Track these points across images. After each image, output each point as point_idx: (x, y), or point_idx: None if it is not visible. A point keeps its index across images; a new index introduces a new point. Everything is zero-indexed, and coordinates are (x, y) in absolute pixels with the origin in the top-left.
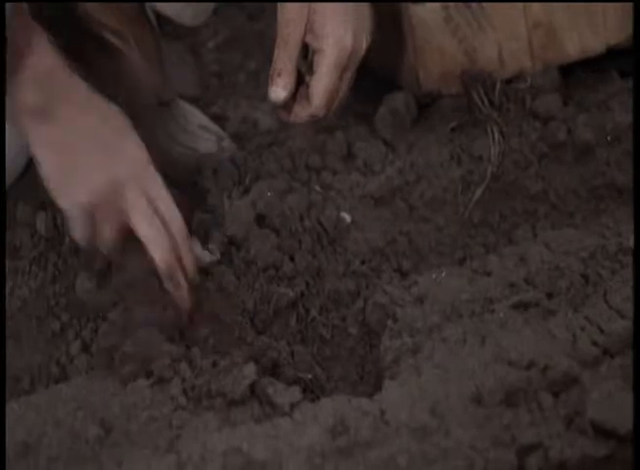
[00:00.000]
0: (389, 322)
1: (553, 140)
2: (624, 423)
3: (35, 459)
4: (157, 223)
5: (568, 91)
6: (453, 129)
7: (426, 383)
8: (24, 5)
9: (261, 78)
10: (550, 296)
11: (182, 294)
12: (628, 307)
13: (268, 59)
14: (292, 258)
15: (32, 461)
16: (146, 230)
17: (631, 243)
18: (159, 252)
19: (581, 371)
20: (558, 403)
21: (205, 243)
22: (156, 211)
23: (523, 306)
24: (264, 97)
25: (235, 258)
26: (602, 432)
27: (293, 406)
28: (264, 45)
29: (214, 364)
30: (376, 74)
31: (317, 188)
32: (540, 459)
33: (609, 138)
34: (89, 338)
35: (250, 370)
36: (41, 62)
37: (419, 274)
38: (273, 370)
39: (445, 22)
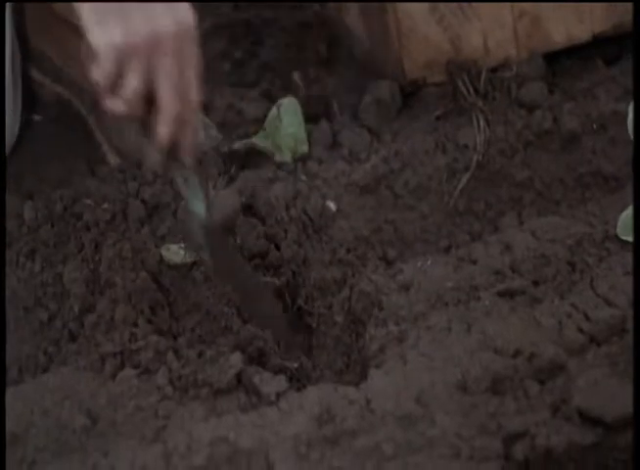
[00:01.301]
0: (375, 310)
1: (538, 128)
2: (611, 410)
3: (23, 449)
4: (178, 91)
5: (553, 79)
6: (438, 118)
7: (411, 371)
8: None
9: (246, 67)
10: (536, 283)
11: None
12: (615, 295)
13: (253, 47)
14: (277, 247)
15: (20, 451)
16: (165, 94)
17: (617, 230)
18: (165, 121)
19: (567, 359)
20: (544, 391)
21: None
22: (181, 75)
23: (508, 294)
24: (250, 85)
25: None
26: (588, 419)
27: (279, 395)
28: (249, 34)
29: (200, 354)
30: (360, 63)
31: (302, 177)
32: (526, 447)
33: (594, 126)
34: (76, 328)
35: (236, 360)
36: None
37: (404, 262)
38: (259, 359)
39: (430, 10)
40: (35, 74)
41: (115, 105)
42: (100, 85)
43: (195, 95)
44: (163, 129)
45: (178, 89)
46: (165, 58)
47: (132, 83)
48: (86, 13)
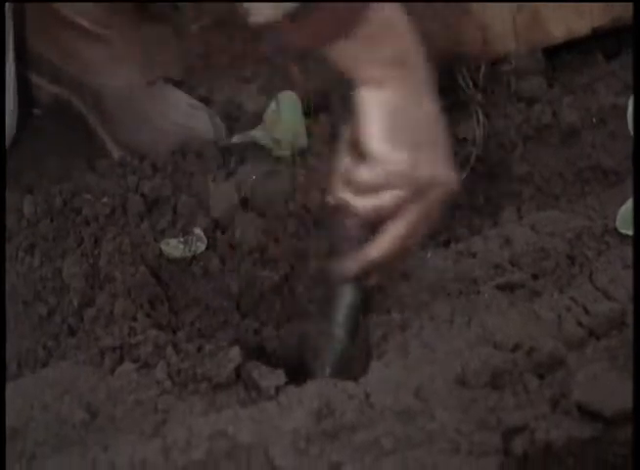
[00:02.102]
0: (379, 297)
1: (538, 122)
2: (610, 405)
3: (23, 443)
4: (412, 233)
5: (552, 73)
6: None
7: (412, 363)
8: None
9: (245, 61)
10: (535, 277)
11: None
12: (614, 288)
13: (252, 41)
14: (276, 242)
15: (20, 445)
16: (400, 230)
17: (616, 224)
18: (387, 248)
19: (567, 353)
20: (543, 385)
21: (189, 226)
22: (417, 226)
23: (508, 288)
24: (249, 79)
25: (220, 241)
26: (588, 414)
27: (278, 390)
28: (248, 27)
29: (200, 348)
30: None
31: (301, 171)
32: (526, 441)
33: (594, 120)
34: (76, 322)
35: (235, 354)
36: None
37: None
38: (258, 354)
39: (429, 3)
40: (34, 78)
41: (354, 201)
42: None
43: (416, 239)
44: (376, 252)
45: (419, 228)
46: (426, 202)
47: (382, 202)
48: (377, 129)
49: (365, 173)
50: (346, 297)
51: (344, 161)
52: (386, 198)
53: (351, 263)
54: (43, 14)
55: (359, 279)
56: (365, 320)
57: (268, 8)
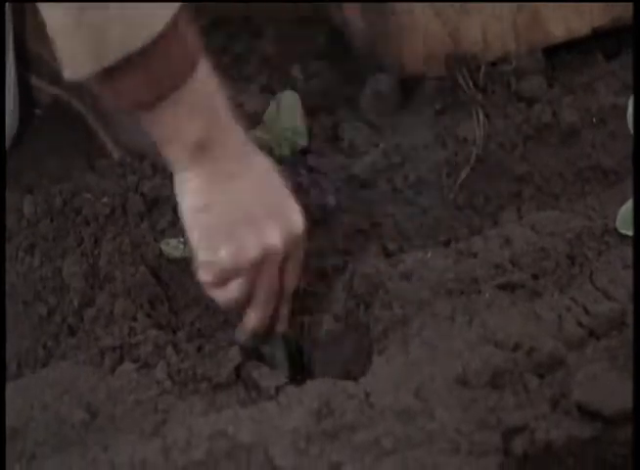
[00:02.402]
0: (380, 292)
1: (538, 122)
2: (610, 405)
3: (23, 443)
4: (273, 296)
5: (552, 73)
6: (438, 111)
7: (412, 362)
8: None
9: (246, 61)
10: (536, 277)
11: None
12: (614, 289)
13: (253, 41)
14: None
15: (20, 445)
16: (262, 297)
17: (616, 224)
18: (259, 316)
19: (567, 353)
20: (543, 385)
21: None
22: (283, 276)
23: (509, 288)
24: (249, 79)
25: None
26: (587, 413)
27: (278, 390)
28: (249, 27)
29: (200, 348)
30: (360, 57)
31: (302, 170)
32: (526, 441)
33: (594, 120)
34: (76, 322)
35: (235, 354)
36: (205, 90)
37: (404, 254)
38: (258, 354)
39: (429, 3)
40: (33, 80)
41: (214, 294)
42: (207, 289)
43: (292, 286)
44: (252, 322)
45: (277, 290)
46: (270, 269)
47: (232, 293)
48: (195, 236)
49: (203, 275)
50: (279, 353)
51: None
52: (232, 289)
53: (240, 334)
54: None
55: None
56: (366, 315)
57: (83, 63)
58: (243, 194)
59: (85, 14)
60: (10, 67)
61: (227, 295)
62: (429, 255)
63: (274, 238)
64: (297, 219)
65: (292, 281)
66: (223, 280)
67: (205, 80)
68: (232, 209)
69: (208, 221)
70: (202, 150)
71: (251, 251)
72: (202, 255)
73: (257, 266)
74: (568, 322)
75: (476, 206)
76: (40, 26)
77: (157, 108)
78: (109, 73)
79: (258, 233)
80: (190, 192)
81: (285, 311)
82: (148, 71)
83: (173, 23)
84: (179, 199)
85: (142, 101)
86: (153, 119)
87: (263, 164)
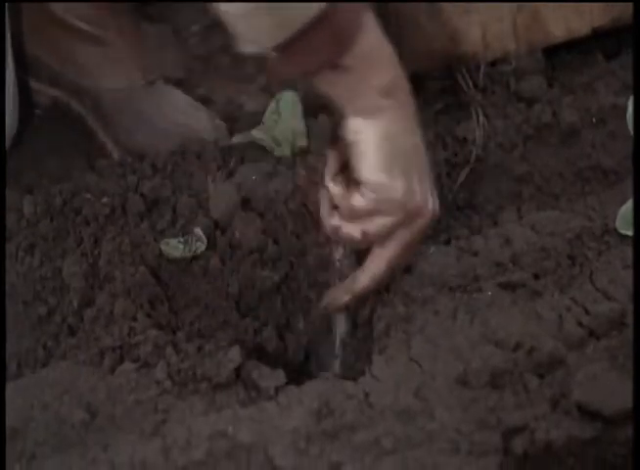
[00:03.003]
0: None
1: (538, 122)
2: (610, 404)
3: (22, 443)
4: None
5: (552, 73)
6: (437, 111)
7: (413, 360)
8: None
9: (246, 61)
10: (536, 277)
11: None
12: (614, 289)
13: None
14: (276, 242)
15: (20, 445)
16: (393, 249)
17: (616, 224)
18: (383, 266)
19: (567, 352)
20: (543, 385)
21: (189, 226)
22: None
23: (510, 287)
24: (249, 79)
25: (219, 241)
26: (588, 413)
27: (278, 390)
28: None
29: (199, 348)
30: None
31: (302, 171)
32: (526, 441)
33: (594, 120)
34: (76, 322)
35: (234, 354)
36: (376, 37)
37: None
38: (258, 354)
39: (429, 3)
40: (32, 83)
41: (348, 229)
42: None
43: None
44: (364, 282)
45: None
46: (414, 227)
47: (375, 228)
48: (377, 160)
49: (358, 200)
50: (340, 327)
51: (333, 187)
52: (377, 224)
53: (340, 294)
54: (40, 16)
55: (350, 308)
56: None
57: (258, 38)
58: (417, 152)
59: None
60: (8, 67)
61: (368, 228)
62: (431, 250)
63: (433, 205)
64: (434, 204)
65: (404, 259)
66: (372, 212)
67: (374, 29)
68: (410, 156)
69: (390, 152)
70: (388, 95)
71: (418, 197)
72: (378, 176)
73: (407, 219)
74: (568, 322)
75: (475, 206)
76: (37, 28)
77: (339, 67)
78: (290, 43)
79: (423, 192)
80: (374, 131)
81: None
82: (325, 34)
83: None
84: (356, 137)
85: (324, 62)
86: (335, 79)
87: (421, 138)
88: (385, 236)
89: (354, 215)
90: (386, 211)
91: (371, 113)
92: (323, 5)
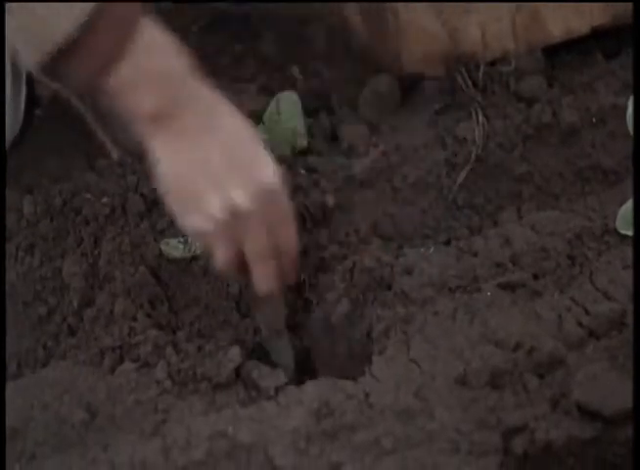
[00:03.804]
0: (381, 289)
1: (537, 122)
2: (610, 404)
3: (23, 443)
4: (270, 259)
5: (552, 73)
6: (437, 112)
7: (413, 361)
8: None
9: (245, 61)
10: (536, 277)
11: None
12: (614, 289)
13: (252, 42)
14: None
15: (20, 445)
16: (258, 266)
17: (616, 224)
18: (264, 286)
19: (567, 353)
20: (543, 385)
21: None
22: (271, 233)
23: (509, 287)
24: (249, 80)
25: None
26: (587, 413)
27: (278, 390)
28: (248, 27)
29: (200, 348)
30: (359, 57)
31: (302, 171)
32: (526, 441)
33: (594, 120)
34: (76, 322)
35: (234, 354)
36: (150, 63)
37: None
38: (258, 354)
39: (429, 3)
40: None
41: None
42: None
43: (291, 253)
44: (262, 286)
45: (269, 257)
46: (254, 229)
47: (222, 256)
48: (170, 205)
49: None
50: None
51: None
52: (221, 251)
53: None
54: None
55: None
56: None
57: (31, 56)
58: (208, 158)
59: (15, 15)
60: (7, 66)
61: (218, 262)
62: (431, 249)
63: (239, 197)
64: (266, 173)
65: (286, 236)
66: (210, 245)
67: (149, 53)
68: (198, 175)
69: (178, 189)
70: (159, 122)
71: (218, 213)
72: (179, 222)
73: (234, 227)
74: (568, 322)
75: (475, 206)
76: None
77: (107, 88)
78: (52, 63)
79: (223, 195)
80: (158, 162)
81: (288, 269)
82: (82, 54)
83: (96, 11)
84: (154, 170)
85: (86, 82)
86: (107, 100)
87: (230, 124)
88: (238, 254)
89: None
90: (215, 239)
91: (148, 141)
92: (79, 23)
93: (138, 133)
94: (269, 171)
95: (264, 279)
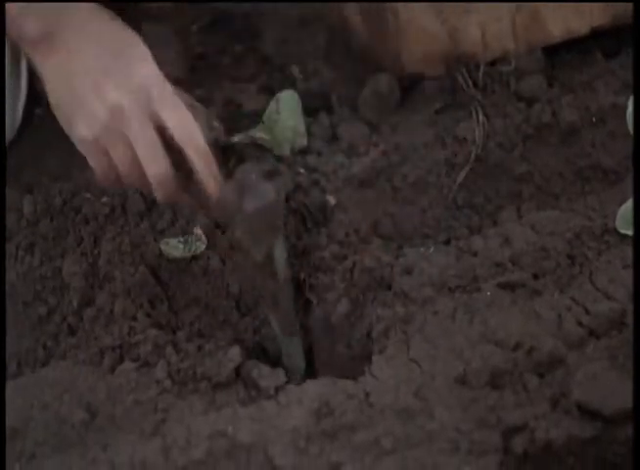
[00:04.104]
0: (381, 289)
1: (537, 122)
2: (610, 404)
3: (22, 443)
4: (162, 157)
5: (552, 72)
6: (437, 111)
7: (413, 360)
8: None
9: (245, 61)
10: (536, 276)
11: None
12: (614, 288)
13: (252, 41)
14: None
15: (19, 445)
16: (150, 165)
17: (616, 224)
18: (160, 192)
19: (567, 352)
20: (543, 385)
21: (189, 226)
22: (169, 135)
23: (509, 287)
24: (248, 79)
25: (219, 241)
26: (587, 413)
27: (277, 389)
28: (249, 27)
29: (199, 348)
30: (359, 56)
31: (301, 170)
32: (526, 440)
33: (594, 119)
34: (75, 322)
35: (234, 353)
36: None
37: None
38: (258, 353)
39: (429, 3)
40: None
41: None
42: (102, 181)
43: (194, 142)
44: (159, 190)
45: (159, 154)
46: (138, 127)
47: (116, 157)
48: (59, 119)
49: (84, 153)
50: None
51: None
52: (115, 156)
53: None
54: None
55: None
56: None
57: None
58: (87, 66)
59: None
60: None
61: (112, 164)
62: (431, 249)
63: (115, 95)
64: (141, 69)
65: (180, 127)
66: (102, 153)
67: None
68: (79, 83)
69: (62, 102)
70: (42, 43)
71: (99, 114)
72: (66, 130)
73: (118, 128)
74: (568, 322)
75: (475, 205)
76: None
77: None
78: None
79: (101, 95)
80: (46, 81)
81: (202, 166)
82: None
83: None
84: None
85: None
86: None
87: (107, 30)
88: (131, 156)
89: (99, 163)
90: (105, 145)
91: (36, 61)
92: None
93: (31, 63)
94: (144, 67)
95: (160, 179)
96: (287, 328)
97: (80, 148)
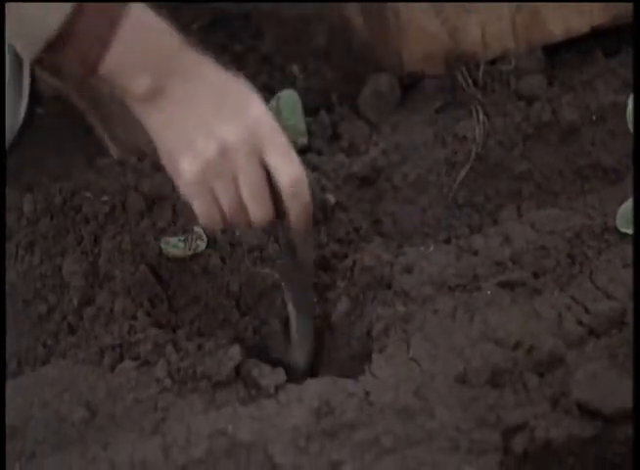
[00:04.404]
0: (381, 288)
1: (538, 120)
2: (610, 403)
3: (22, 442)
4: (265, 200)
5: (552, 71)
6: (437, 110)
7: (413, 359)
8: None
9: (246, 60)
10: (536, 275)
11: None
12: (614, 287)
13: (253, 40)
14: (276, 240)
15: (20, 444)
16: (254, 208)
17: (616, 222)
18: (257, 216)
19: (567, 351)
20: (543, 384)
21: (189, 224)
22: (273, 180)
23: (509, 286)
24: (249, 78)
25: (220, 240)
26: (587, 412)
27: (278, 388)
28: (249, 26)
29: (200, 347)
30: (359, 56)
31: None
32: (526, 440)
33: (594, 118)
34: (76, 321)
35: (234, 352)
36: (148, 38)
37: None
38: (258, 352)
39: (429, 3)
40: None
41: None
42: (208, 226)
43: (292, 178)
44: (256, 221)
45: (262, 185)
46: (244, 164)
47: (221, 194)
48: (164, 161)
49: (189, 196)
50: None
51: None
52: (219, 194)
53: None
54: None
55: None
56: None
57: (26, 52)
58: (197, 111)
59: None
60: (9, 64)
61: (217, 204)
62: (431, 248)
63: (227, 133)
64: (254, 110)
65: (286, 173)
66: (206, 191)
67: (138, 34)
68: (188, 124)
69: (169, 141)
70: (152, 99)
71: (208, 151)
72: (173, 175)
73: (225, 163)
74: (568, 321)
75: (475, 204)
76: None
77: (101, 74)
78: (47, 57)
79: (211, 134)
80: (150, 128)
81: (297, 208)
82: (71, 48)
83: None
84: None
85: (82, 70)
86: (105, 88)
87: (216, 78)
88: (235, 196)
89: (205, 205)
90: (208, 184)
91: (144, 117)
92: (64, 17)
93: (135, 113)
94: (258, 109)
95: (262, 224)
96: (302, 305)
97: (185, 190)
